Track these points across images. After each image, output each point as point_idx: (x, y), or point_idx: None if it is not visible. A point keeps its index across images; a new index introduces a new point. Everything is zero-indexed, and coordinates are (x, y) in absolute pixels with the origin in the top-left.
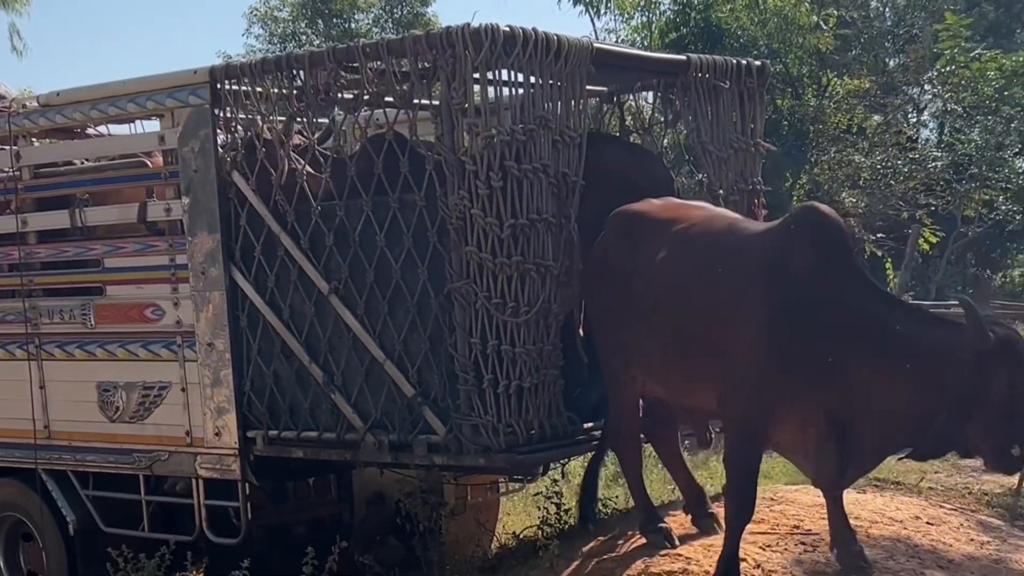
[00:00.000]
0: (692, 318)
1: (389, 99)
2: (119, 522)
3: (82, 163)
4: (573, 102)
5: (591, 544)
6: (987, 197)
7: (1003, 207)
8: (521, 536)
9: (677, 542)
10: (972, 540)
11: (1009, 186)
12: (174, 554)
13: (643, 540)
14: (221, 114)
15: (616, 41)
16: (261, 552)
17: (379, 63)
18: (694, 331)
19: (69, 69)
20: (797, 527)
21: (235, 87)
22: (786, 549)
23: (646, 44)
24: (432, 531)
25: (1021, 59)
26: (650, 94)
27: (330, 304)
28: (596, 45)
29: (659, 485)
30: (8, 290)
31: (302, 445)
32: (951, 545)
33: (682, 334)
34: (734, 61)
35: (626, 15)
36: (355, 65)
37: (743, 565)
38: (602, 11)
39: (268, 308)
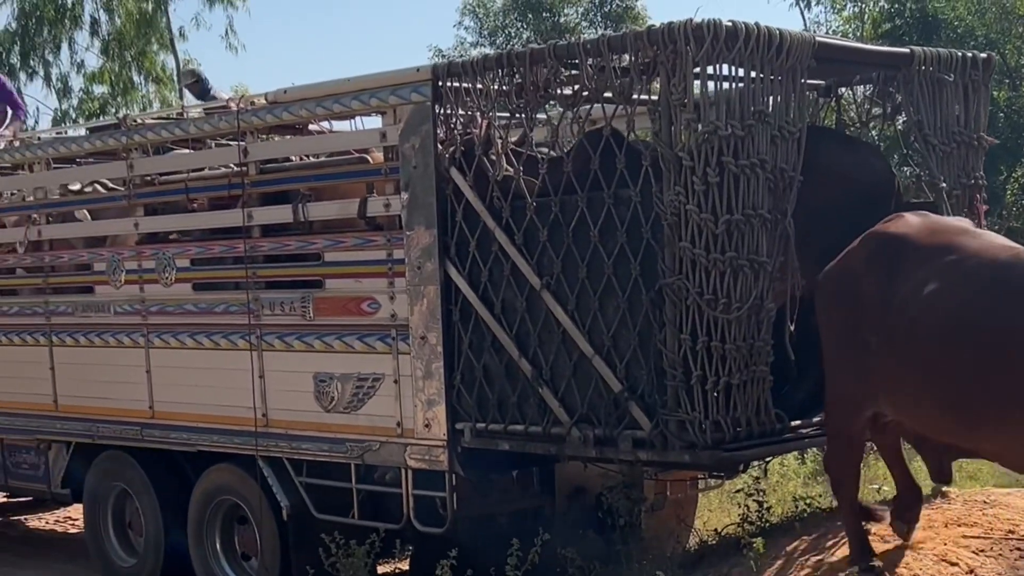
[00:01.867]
0: (978, 359)
1: (607, 95)
2: (330, 509)
3: (300, 159)
4: (793, 96)
5: (795, 543)
6: None
7: None
8: (722, 533)
9: None
10: None
11: None
12: (382, 541)
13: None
14: (441, 111)
15: (827, 33)
16: (465, 542)
17: (599, 59)
18: (982, 372)
19: (277, 65)
20: (1012, 532)
21: (456, 84)
22: (1000, 555)
23: (858, 35)
24: (632, 526)
25: None
26: (868, 87)
27: (542, 299)
28: (818, 39)
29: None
30: (233, 282)
31: (509, 438)
32: None
33: (964, 374)
34: (959, 54)
35: (837, 5)
36: (575, 61)
37: (954, 570)
38: (812, 3)
39: (480, 302)
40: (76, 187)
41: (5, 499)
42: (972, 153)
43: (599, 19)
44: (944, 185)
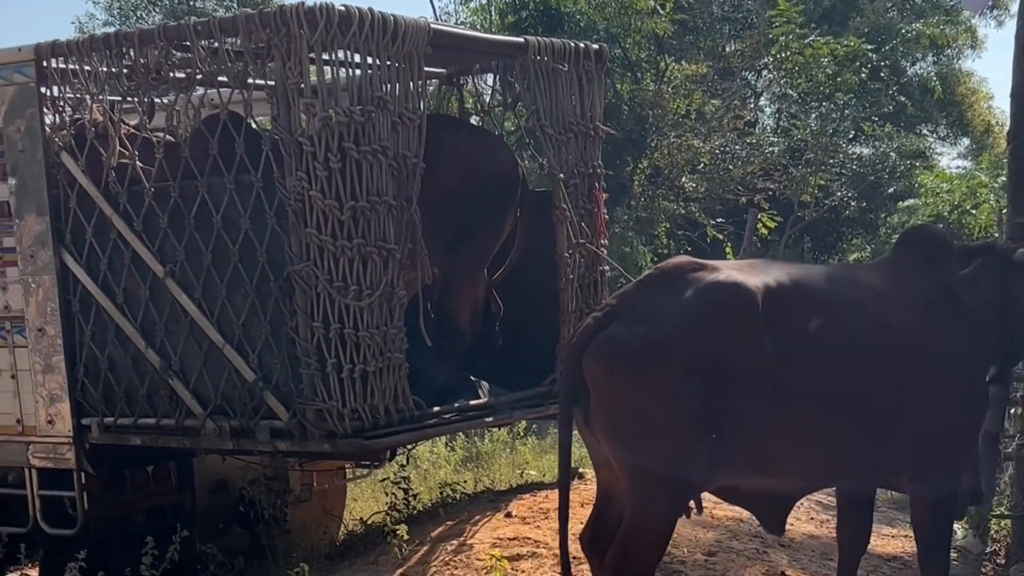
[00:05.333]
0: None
1: (222, 79)
2: None
3: None
4: (411, 83)
5: (440, 529)
6: (823, 182)
7: (838, 192)
8: (369, 522)
9: None
10: (812, 519)
11: (843, 172)
12: (7, 547)
13: (492, 524)
14: (48, 93)
15: (455, 23)
16: (99, 543)
17: (211, 41)
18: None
19: None
20: None
21: (63, 65)
22: None
23: (485, 27)
24: (277, 518)
25: (853, 45)
26: (490, 77)
27: (166, 287)
28: (433, 26)
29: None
30: None
31: (140, 432)
32: (792, 524)
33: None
34: (572, 44)
35: None
36: (187, 44)
37: None
38: None
39: (101, 292)
40: None
41: None
42: (589, 142)
43: (235, 6)
44: (562, 175)
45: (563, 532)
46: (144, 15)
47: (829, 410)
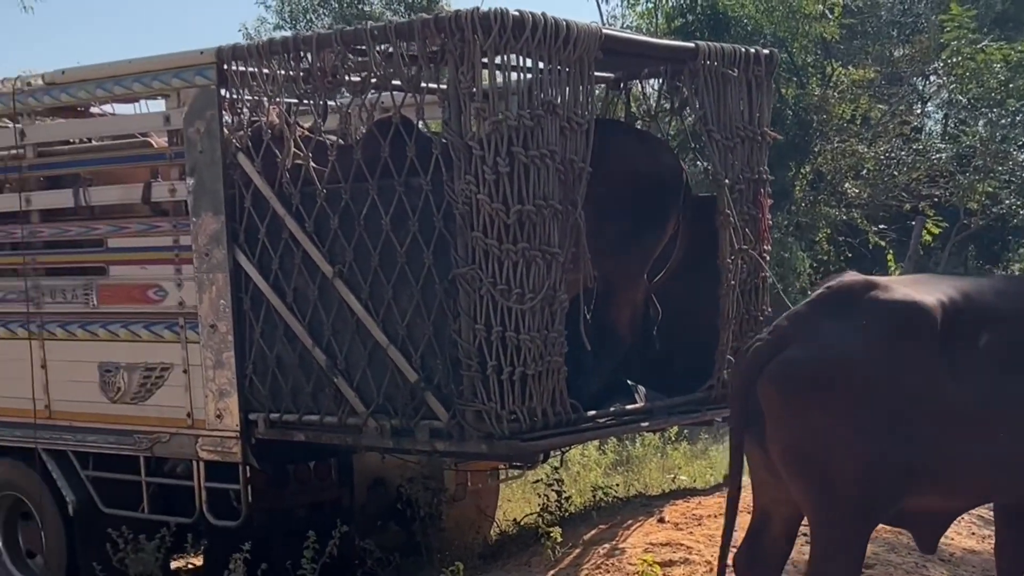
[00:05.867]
0: None
1: (396, 83)
2: (119, 503)
3: (76, 142)
4: (581, 88)
5: (592, 532)
6: (991, 190)
7: (1006, 200)
8: (522, 523)
9: None
10: (974, 534)
11: (1013, 179)
12: (174, 536)
13: (644, 528)
14: (227, 95)
15: (622, 27)
16: (261, 535)
17: (387, 46)
18: None
19: (85, 49)
20: None
21: (242, 68)
22: None
23: (651, 30)
24: (433, 517)
25: None
26: (656, 81)
27: (334, 288)
28: (604, 31)
29: (658, 475)
30: (10, 268)
31: (304, 428)
32: (952, 540)
33: None
34: (743, 49)
35: (631, 0)
36: (363, 48)
37: None
38: None
39: (272, 291)
40: None
41: None
42: (756, 148)
43: (403, 9)
44: (727, 180)
45: (722, 558)
46: (313, 18)
47: (1007, 427)
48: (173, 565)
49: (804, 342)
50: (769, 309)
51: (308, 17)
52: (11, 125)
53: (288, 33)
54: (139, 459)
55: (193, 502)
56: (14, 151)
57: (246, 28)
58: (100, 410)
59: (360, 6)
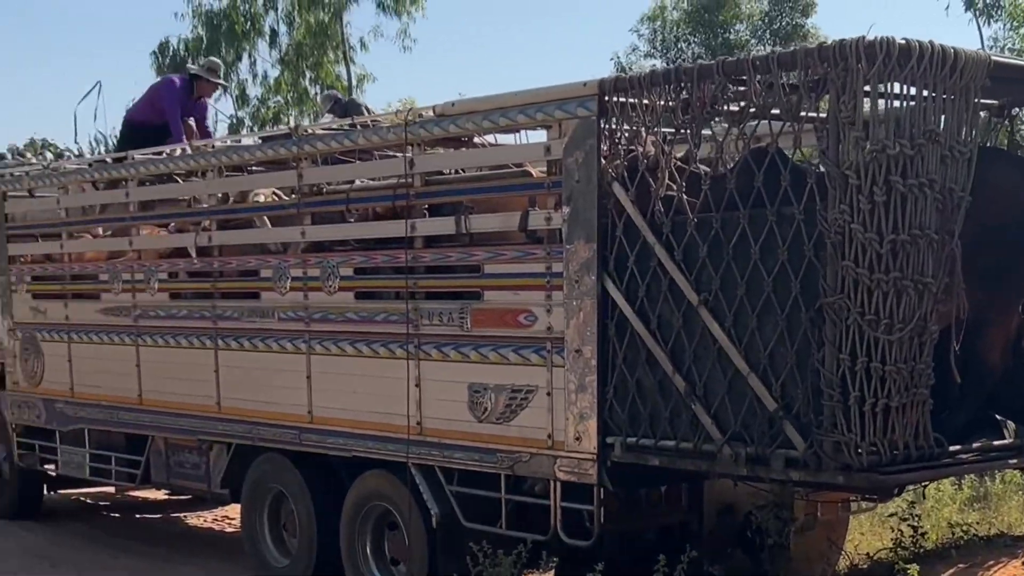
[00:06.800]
0: None
1: (774, 112)
2: (479, 518)
3: (453, 171)
4: (965, 116)
5: (951, 571)
6: None
7: None
8: (875, 557)
9: None
10: None
11: None
12: (530, 552)
13: (1008, 570)
14: (607, 126)
15: (1002, 50)
16: (611, 556)
17: (768, 76)
18: None
19: (454, 75)
20: None
21: (622, 99)
22: None
23: None
24: (781, 546)
25: None
26: None
27: (699, 315)
28: (993, 58)
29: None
30: (394, 291)
31: (659, 453)
32: None
33: None
34: None
35: (1016, 22)
36: (743, 77)
37: None
38: (993, 19)
39: (637, 317)
40: (261, 198)
41: (166, 497)
42: None
43: (768, 37)
44: None
45: None
46: (684, 47)
47: None
48: None
49: None
50: None
51: (679, 46)
52: (400, 155)
53: (658, 62)
54: (499, 476)
55: (548, 520)
56: (403, 179)
57: (618, 56)
58: (467, 428)
59: (725, 35)
